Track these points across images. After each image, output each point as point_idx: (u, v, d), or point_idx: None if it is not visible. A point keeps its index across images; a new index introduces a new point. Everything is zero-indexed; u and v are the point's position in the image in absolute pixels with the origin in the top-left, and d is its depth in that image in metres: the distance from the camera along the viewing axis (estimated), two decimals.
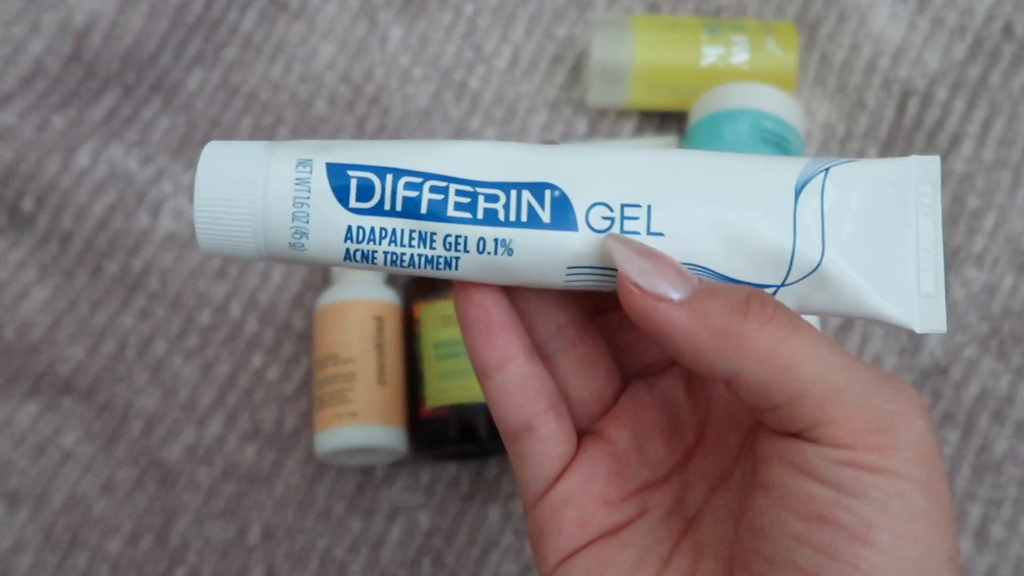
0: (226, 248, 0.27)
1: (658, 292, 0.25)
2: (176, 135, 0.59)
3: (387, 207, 0.26)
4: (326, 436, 0.50)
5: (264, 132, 0.59)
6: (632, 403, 0.30)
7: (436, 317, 0.52)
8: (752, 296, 0.25)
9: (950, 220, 0.57)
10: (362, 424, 0.50)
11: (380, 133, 0.59)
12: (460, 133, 0.59)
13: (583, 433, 0.30)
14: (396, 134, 0.59)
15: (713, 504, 0.28)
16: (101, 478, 0.54)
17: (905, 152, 0.58)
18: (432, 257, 0.26)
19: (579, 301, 0.30)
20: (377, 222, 0.26)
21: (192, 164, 0.59)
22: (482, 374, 0.28)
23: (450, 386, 0.51)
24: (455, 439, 0.50)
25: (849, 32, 0.60)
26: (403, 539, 0.52)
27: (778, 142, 0.53)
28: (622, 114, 0.60)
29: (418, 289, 0.53)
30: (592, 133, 0.60)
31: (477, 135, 0.59)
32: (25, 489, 0.53)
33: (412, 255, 0.26)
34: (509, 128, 0.59)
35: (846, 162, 0.27)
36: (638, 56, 0.56)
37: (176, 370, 0.55)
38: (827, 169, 0.27)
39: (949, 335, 0.55)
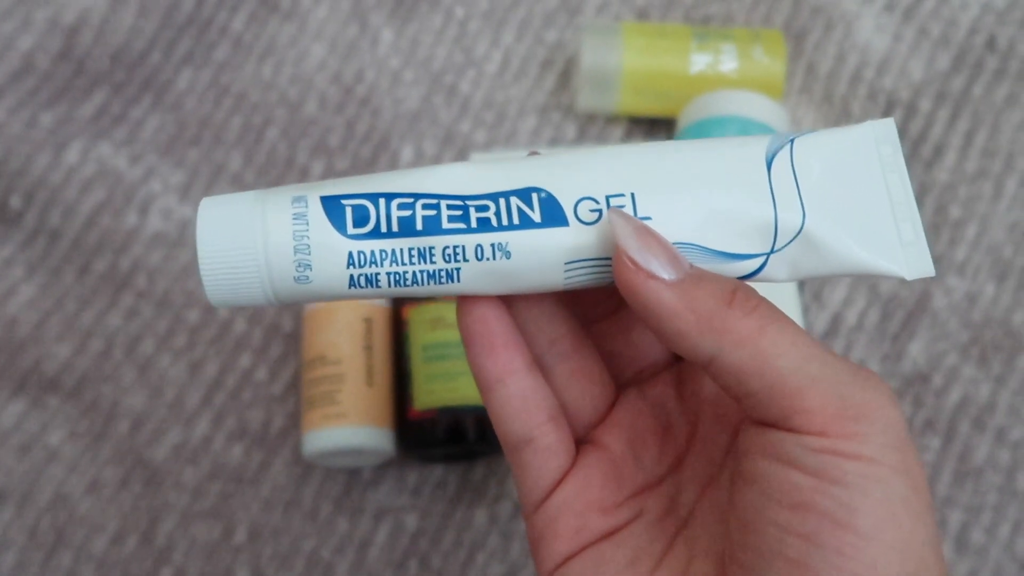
0: (236, 298, 0.28)
1: (651, 270, 0.26)
2: (165, 134, 0.59)
3: (383, 229, 0.27)
4: (314, 437, 0.51)
5: (254, 132, 0.59)
6: (626, 411, 0.31)
7: (424, 320, 0.52)
8: (738, 288, 0.26)
9: (932, 229, 0.58)
10: (350, 425, 0.50)
11: (370, 135, 0.59)
12: (450, 136, 0.60)
13: (580, 442, 0.31)
14: (386, 136, 0.59)
15: (705, 503, 0.29)
16: (87, 477, 0.53)
17: None
18: (434, 272, 0.27)
19: (572, 313, 0.31)
20: (376, 244, 0.27)
21: (181, 163, 0.59)
22: (484, 387, 0.29)
23: (438, 388, 0.51)
24: (442, 441, 0.51)
25: (835, 42, 0.61)
26: (389, 541, 0.53)
27: None
28: (611, 120, 0.60)
29: None
30: (581, 138, 0.60)
31: (467, 138, 0.60)
32: (10, 488, 0.53)
33: (414, 272, 0.27)
34: (498, 132, 0.60)
35: (807, 133, 0.29)
36: (627, 62, 0.57)
37: (163, 370, 0.55)
38: (792, 140, 0.28)
39: (931, 343, 0.56)
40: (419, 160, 0.59)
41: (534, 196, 0.27)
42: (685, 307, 0.26)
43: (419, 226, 0.27)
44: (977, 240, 0.57)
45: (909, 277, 0.28)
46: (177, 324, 0.56)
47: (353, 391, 0.51)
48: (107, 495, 0.53)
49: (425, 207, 0.27)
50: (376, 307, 0.53)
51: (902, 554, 0.24)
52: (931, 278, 0.57)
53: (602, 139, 0.60)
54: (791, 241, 0.28)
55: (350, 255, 0.27)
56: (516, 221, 0.27)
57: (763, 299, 0.26)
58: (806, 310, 0.56)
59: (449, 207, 0.27)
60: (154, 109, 0.60)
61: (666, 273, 0.26)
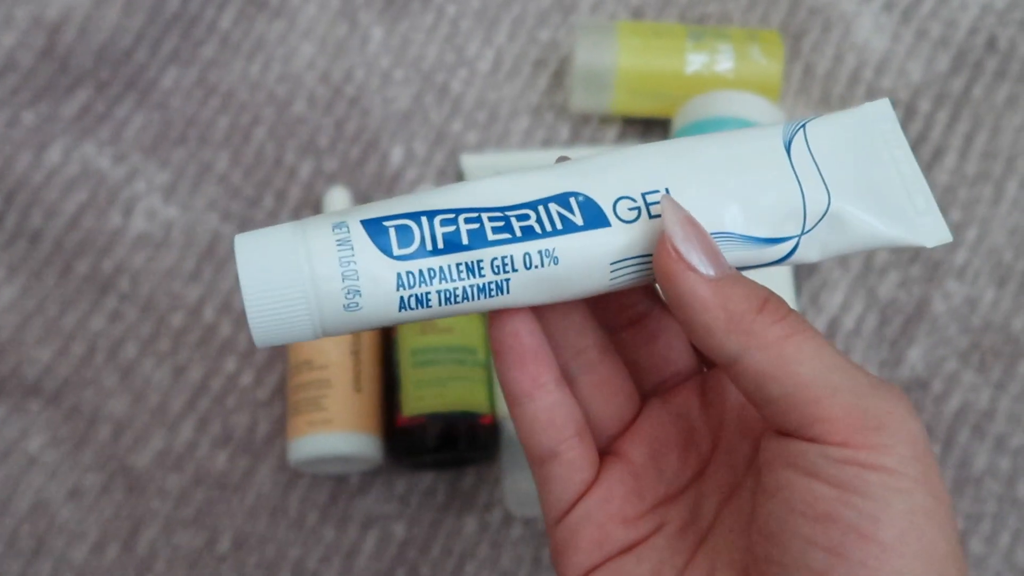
0: (282, 335, 0.27)
1: (691, 262, 0.27)
2: (150, 134, 0.58)
3: (429, 247, 0.27)
4: (300, 443, 0.49)
5: (241, 132, 0.58)
6: (649, 421, 0.31)
7: (414, 324, 0.51)
8: (771, 297, 0.27)
9: None
10: (337, 432, 0.49)
11: (359, 135, 0.58)
12: (441, 136, 0.58)
13: (602, 452, 0.31)
14: (375, 136, 0.58)
15: (726, 514, 0.29)
16: (67, 484, 0.52)
17: None
18: (484, 285, 0.27)
19: (598, 323, 0.31)
20: (424, 264, 0.27)
21: (167, 163, 0.57)
22: (512, 401, 0.30)
23: (427, 394, 0.50)
24: (431, 448, 0.49)
25: (833, 42, 0.60)
26: (377, 549, 0.51)
27: None
28: (605, 120, 0.59)
29: None
30: (574, 139, 0.59)
31: (458, 139, 0.58)
32: None
33: (464, 288, 0.27)
34: (490, 132, 0.59)
35: (815, 117, 0.30)
36: (622, 62, 0.56)
37: (146, 374, 0.54)
38: (803, 125, 0.29)
39: (930, 348, 0.55)
40: (409, 160, 0.58)
41: (572, 200, 0.28)
42: (717, 304, 0.26)
43: (465, 240, 0.27)
44: (977, 244, 0.56)
45: (930, 245, 0.29)
46: (161, 327, 0.55)
47: (340, 397, 0.50)
48: (88, 502, 0.52)
49: (468, 221, 0.27)
50: None
51: (925, 565, 0.24)
52: (930, 283, 0.56)
53: (596, 140, 0.59)
54: (819, 222, 0.28)
55: (399, 276, 0.27)
56: (559, 226, 0.27)
57: (793, 311, 0.27)
58: (803, 314, 0.55)
59: (491, 219, 0.27)
60: (139, 108, 0.58)
61: (704, 268, 0.27)
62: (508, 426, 0.51)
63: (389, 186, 0.57)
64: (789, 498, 0.25)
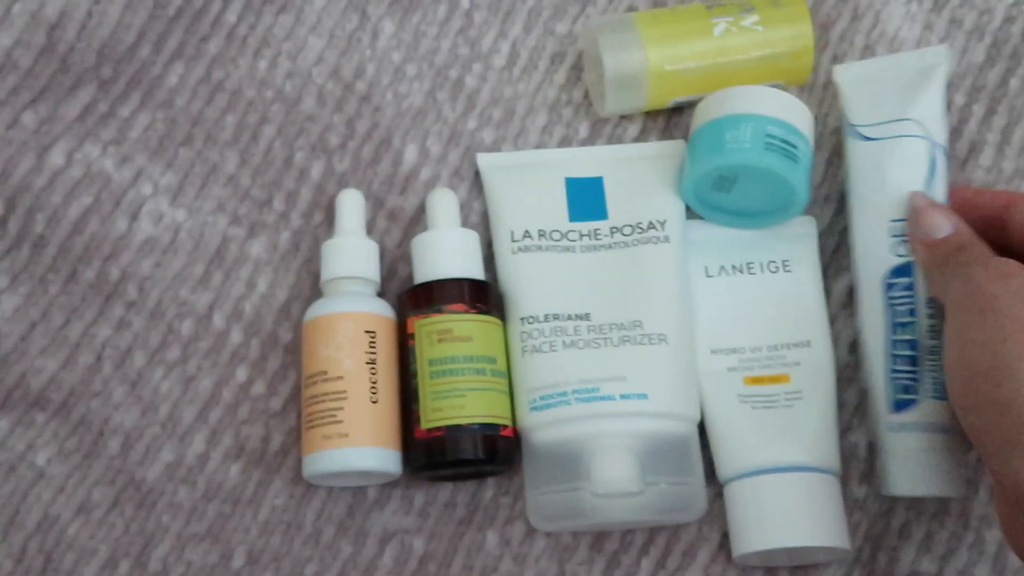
0: None
1: (919, 235, 0.47)
2: (155, 133, 0.56)
3: None
4: (315, 458, 0.48)
5: (249, 130, 0.56)
6: None
7: (431, 332, 0.49)
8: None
9: None
10: (353, 446, 0.47)
11: (371, 133, 0.56)
12: (455, 134, 0.56)
13: None
14: (388, 135, 0.56)
15: None
16: (76, 498, 0.51)
17: None
18: None
19: None
20: None
21: (172, 164, 0.55)
22: None
23: (445, 405, 0.48)
24: (450, 462, 0.48)
25: (863, 32, 0.58)
26: (396, 565, 0.50)
27: (784, 150, 0.49)
28: (625, 116, 0.57)
29: (412, 302, 0.50)
30: (593, 137, 0.57)
31: (473, 136, 0.56)
32: None
33: None
34: (506, 130, 0.57)
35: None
36: (650, 55, 0.53)
37: (155, 384, 0.52)
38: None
39: None
40: (423, 160, 0.56)
41: None
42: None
43: None
44: None
45: None
46: (169, 335, 0.53)
47: (356, 409, 0.48)
48: (97, 517, 0.51)
49: None
50: (380, 318, 0.50)
51: None
52: None
53: (616, 137, 0.57)
54: None
55: None
56: None
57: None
58: (834, 319, 0.53)
59: None
60: (143, 107, 0.56)
61: (939, 232, 0.46)
62: (529, 437, 0.49)
63: (403, 187, 0.55)
64: None
